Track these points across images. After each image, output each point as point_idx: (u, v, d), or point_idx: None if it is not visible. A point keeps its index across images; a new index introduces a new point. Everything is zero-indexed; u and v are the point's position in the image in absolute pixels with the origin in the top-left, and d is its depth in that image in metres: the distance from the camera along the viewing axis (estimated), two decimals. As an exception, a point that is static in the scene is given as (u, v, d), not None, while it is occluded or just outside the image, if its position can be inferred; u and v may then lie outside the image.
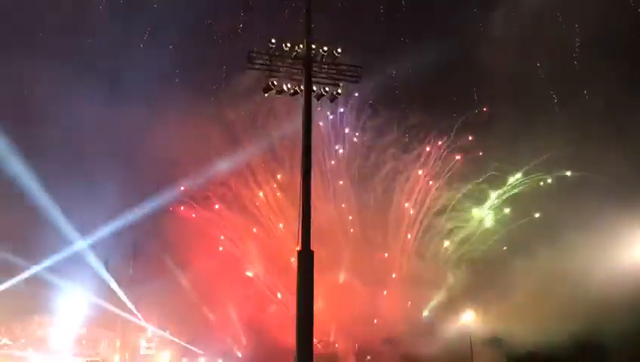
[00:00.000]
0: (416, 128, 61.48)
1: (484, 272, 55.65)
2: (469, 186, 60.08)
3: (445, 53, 53.92)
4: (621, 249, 48.38)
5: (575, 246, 46.95)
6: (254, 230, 61.66)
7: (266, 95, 23.56)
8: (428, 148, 61.97)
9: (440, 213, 60.92)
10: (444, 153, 61.50)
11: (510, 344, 49.90)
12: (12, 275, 53.91)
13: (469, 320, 52.24)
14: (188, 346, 60.80)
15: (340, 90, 23.92)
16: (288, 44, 22.92)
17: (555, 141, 53.63)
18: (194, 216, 61.83)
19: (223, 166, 58.60)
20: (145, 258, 61.76)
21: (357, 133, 63.43)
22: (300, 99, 22.69)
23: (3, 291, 53.98)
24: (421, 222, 61.41)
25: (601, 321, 43.60)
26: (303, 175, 21.09)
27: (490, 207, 60.53)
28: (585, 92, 56.99)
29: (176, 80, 62.59)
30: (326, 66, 23.63)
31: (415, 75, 60.35)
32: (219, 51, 61.96)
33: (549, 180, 58.16)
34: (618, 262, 47.16)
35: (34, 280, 55.13)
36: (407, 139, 62.05)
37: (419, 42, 60.78)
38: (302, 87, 22.81)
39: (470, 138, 60.28)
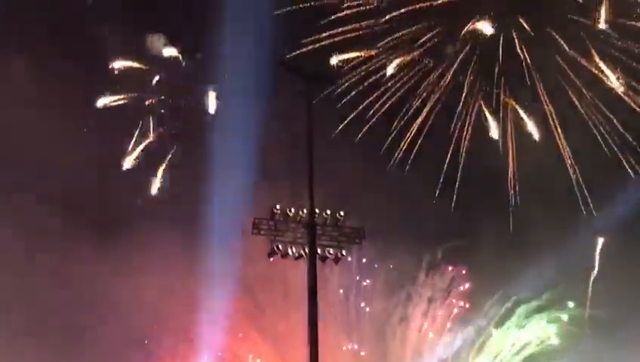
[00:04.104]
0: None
1: None
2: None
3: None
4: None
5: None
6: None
7: (271, 259, 24.09)
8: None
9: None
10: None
11: None
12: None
13: None
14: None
15: (344, 252, 24.44)
16: (292, 210, 23.92)
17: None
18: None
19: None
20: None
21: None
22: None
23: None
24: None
25: None
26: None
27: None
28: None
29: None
30: (330, 228, 24.37)
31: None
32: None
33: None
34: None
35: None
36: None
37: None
38: (306, 250, 23.37)
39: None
